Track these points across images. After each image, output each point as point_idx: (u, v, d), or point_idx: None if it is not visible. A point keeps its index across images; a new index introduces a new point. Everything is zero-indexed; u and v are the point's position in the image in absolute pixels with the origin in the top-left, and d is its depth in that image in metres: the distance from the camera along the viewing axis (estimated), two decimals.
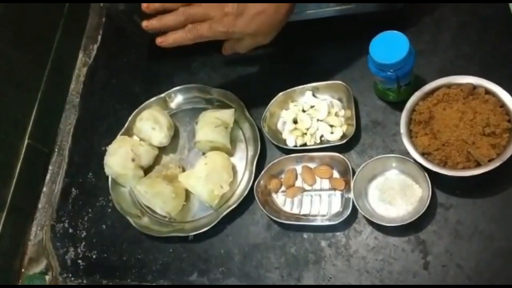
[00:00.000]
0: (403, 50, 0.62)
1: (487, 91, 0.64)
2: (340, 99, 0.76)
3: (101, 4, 0.96)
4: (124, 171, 0.78)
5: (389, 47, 0.63)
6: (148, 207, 0.79)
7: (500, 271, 0.62)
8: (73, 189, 0.87)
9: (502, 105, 0.62)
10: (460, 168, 0.62)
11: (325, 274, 0.69)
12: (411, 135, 0.66)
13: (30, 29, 0.89)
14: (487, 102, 0.63)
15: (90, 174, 0.87)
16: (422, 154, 0.64)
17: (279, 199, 0.74)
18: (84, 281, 0.80)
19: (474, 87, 0.64)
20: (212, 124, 0.76)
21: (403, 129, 0.65)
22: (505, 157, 0.60)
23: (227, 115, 0.78)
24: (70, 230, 0.84)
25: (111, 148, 0.80)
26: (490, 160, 0.60)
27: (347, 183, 0.70)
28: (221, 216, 0.73)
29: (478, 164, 0.61)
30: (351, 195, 0.68)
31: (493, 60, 0.72)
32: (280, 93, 0.78)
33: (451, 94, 0.64)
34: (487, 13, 0.75)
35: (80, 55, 0.99)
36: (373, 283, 0.66)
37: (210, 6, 0.63)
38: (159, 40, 0.68)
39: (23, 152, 0.85)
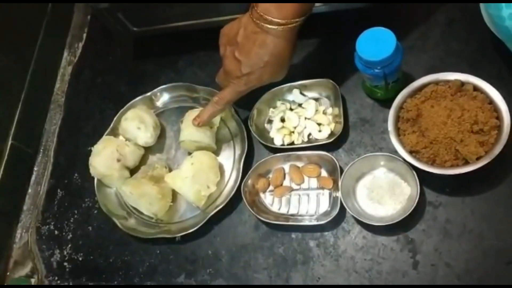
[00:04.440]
0: (390, 46, 0.61)
1: (475, 88, 0.63)
2: (328, 97, 0.75)
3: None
4: (109, 171, 0.77)
5: (376, 43, 0.62)
6: (134, 208, 0.78)
7: (490, 270, 0.61)
8: (58, 190, 0.86)
9: (491, 101, 0.62)
10: (448, 166, 0.61)
11: (314, 275, 0.68)
12: (399, 133, 0.65)
13: (12, 28, 0.87)
14: (475, 99, 0.62)
15: (76, 175, 0.86)
16: (410, 152, 0.63)
17: (267, 198, 0.73)
18: (70, 284, 0.78)
19: (462, 84, 0.64)
20: None
21: (390, 127, 0.64)
22: (493, 154, 0.59)
23: None
24: (56, 232, 0.83)
25: (96, 149, 0.79)
26: (478, 158, 0.60)
27: (335, 182, 0.69)
28: (208, 217, 0.72)
29: (467, 162, 0.61)
30: (339, 194, 0.67)
31: (482, 57, 0.71)
32: (267, 91, 0.77)
33: (439, 91, 0.64)
34: (476, 9, 0.74)
35: (65, 53, 0.97)
36: (362, 283, 0.65)
37: (225, 76, 0.69)
38: (196, 123, 0.74)
39: (6, 153, 0.83)
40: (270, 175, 0.74)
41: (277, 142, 0.74)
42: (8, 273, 0.82)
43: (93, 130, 0.87)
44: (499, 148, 0.59)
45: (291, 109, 0.76)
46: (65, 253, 0.81)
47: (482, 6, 0.67)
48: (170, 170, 0.79)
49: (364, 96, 0.74)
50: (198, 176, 0.73)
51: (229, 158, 0.77)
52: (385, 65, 0.63)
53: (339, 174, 0.68)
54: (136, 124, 0.79)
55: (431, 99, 0.64)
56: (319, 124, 0.74)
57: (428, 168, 0.61)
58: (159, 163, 0.79)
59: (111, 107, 0.87)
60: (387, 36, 0.62)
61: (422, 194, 0.65)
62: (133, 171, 0.80)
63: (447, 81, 0.64)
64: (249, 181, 0.73)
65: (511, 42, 0.62)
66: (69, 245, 0.81)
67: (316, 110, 0.74)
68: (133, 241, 0.77)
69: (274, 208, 0.72)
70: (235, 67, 0.65)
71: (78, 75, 0.95)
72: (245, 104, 0.79)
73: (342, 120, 0.71)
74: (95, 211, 0.82)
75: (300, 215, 0.71)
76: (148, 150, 0.82)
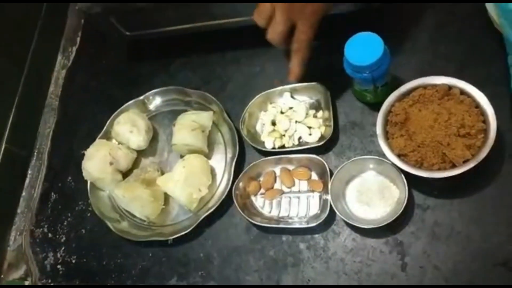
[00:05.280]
0: (377, 51, 0.62)
1: (462, 92, 0.63)
2: (318, 100, 0.76)
3: (76, 7, 0.95)
4: (102, 175, 0.78)
5: (364, 48, 0.63)
6: (127, 211, 0.79)
7: (477, 272, 0.62)
8: (52, 194, 0.86)
9: (477, 105, 0.62)
10: (435, 170, 0.61)
11: (304, 277, 0.68)
12: (387, 136, 0.65)
13: (7, 31, 0.88)
14: (462, 103, 0.62)
15: (70, 178, 0.86)
16: (398, 156, 0.64)
17: (258, 201, 0.74)
18: None
19: (450, 88, 0.64)
20: (189, 127, 0.75)
21: (379, 130, 0.65)
22: (480, 158, 0.59)
23: (205, 118, 0.77)
24: (50, 235, 0.83)
25: (89, 152, 0.79)
26: (465, 161, 0.60)
27: (325, 185, 0.70)
28: (200, 219, 0.73)
29: (454, 165, 0.61)
30: (328, 197, 0.67)
31: (470, 60, 0.72)
32: (259, 95, 0.77)
33: (427, 95, 0.64)
34: (465, 13, 0.75)
35: (59, 57, 0.98)
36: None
37: (288, 17, 0.65)
38: (293, 77, 0.71)
39: (0, 156, 0.84)
40: (261, 178, 0.75)
41: (268, 145, 0.75)
42: (2, 276, 0.83)
43: (87, 134, 0.88)
44: (485, 151, 0.59)
45: (282, 113, 0.77)
46: (58, 255, 0.81)
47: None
48: (163, 173, 0.80)
49: (354, 100, 0.75)
50: (190, 179, 0.73)
51: (220, 161, 0.78)
52: (373, 69, 0.63)
53: (329, 177, 0.69)
54: (128, 127, 0.79)
55: (419, 103, 0.64)
56: (309, 128, 0.74)
57: (415, 171, 0.62)
58: (151, 166, 0.80)
59: (105, 110, 0.88)
60: (375, 41, 0.62)
61: (410, 196, 0.66)
62: (125, 174, 0.80)
63: (435, 85, 0.64)
64: (241, 184, 0.73)
65: None
66: (63, 248, 0.82)
67: (307, 114, 0.75)
68: (126, 244, 0.78)
69: (265, 211, 0.73)
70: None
71: (72, 79, 0.96)
72: (237, 107, 0.79)
73: (332, 123, 0.72)
74: (88, 214, 0.82)
75: (291, 218, 0.71)
76: (140, 153, 0.83)
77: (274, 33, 0.66)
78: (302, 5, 0.62)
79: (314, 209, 0.70)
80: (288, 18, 0.64)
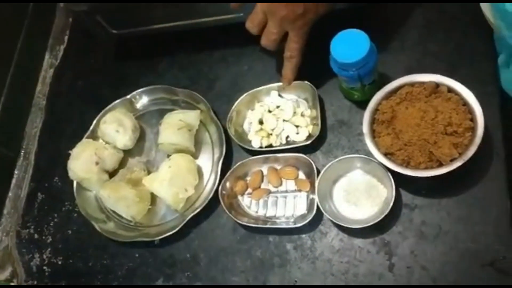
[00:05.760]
0: (363, 48, 0.61)
1: (450, 90, 0.63)
2: (305, 99, 0.75)
3: (61, 4, 0.94)
4: (87, 175, 0.77)
5: (350, 45, 0.62)
6: (113, 212, 0.78)
7: (465, 272, 0.61)
8: (39, 194, 0.85)
9: (465, 103, 0.61)
10: (422, 168, 0.61)
11: (291, 277, 0.67)
12: (374, 135, 0.64)
13: None
14: (449, 101, 0.62)
15: (56, 178, 0.85)
16: (385, 154, 0.63)
17: (245, 201, 0.73)
18: None
19: (437, 86, 0.63)
20: (175, 126, 0.74)
21: (365, 129, 0.64)
22: (467, 156, 0.59)
23: (192, 117, 0.76)
24: (36, 236, 0.82)
25: (74, 152, 0.78)
26: (452, 160, 0.59)
27: (312, 184, 0.69)
28: (186, 220, 0.72)
29: (441, 164, 0.60)
30: (315, 197, 0.66)
31: (459, 58, 0.71)
32: (246, 93, 0.76)
33: (414, 93, 0.63)
34: (454, 11, 0.74)
35: (47, 56, 0.97)
36: None
37: (280, 26, 0.67)
38: (286, 83, 0.74)
39: None
40: (248, 178, 0.74)
41: (255, 145, 0.74)
42: None
43: (75, 133, 0.87)
44: (473, 149, 0.59)
45: (269, 111, 0.76)
46: (44, 257, 0.80)
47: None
48: (149, 172, 0.79)
49: (342, 98, 0.74)
50: (176, 179, 0.72)
51: (208, 160, 0.77)
52: (360, 66, 0.63)
53: (316, 176, 0.68)
54: (114, 127, 0.78)
55: (406, 101, 0.64)
56: (297, 126, 0.73)
57: (402, 170, 0.61)
58: (138, 166, 0.79)
59: (93, 109, 0.86)
60: (361, 38, 0.62)
61: (398, 196, 0.65)
62: (112, 174, 0.79)
63: (422, 83, 0.64)
64: (227, 184, 0.72)
65: None
66: (49, 249, 0.81)
67: (294, 112, 0.74)
68: (112, 245, 0.77)
69: (252, 210, 0.72)
70: (287, 12, 0.64)
71: (59, 78, 0.94)
72: (225, 106, 0.79)
73: (319, 122, 0.71)
74: (75, 215, 0.81)
75: (278, 218, 0.71)
76: (127, 153, 0.82)
77: (268, 41, 0.70)
78: (294, 18, 0.65)
79: (301, 209, 0.70)
80: (281, 29, 0.68)
